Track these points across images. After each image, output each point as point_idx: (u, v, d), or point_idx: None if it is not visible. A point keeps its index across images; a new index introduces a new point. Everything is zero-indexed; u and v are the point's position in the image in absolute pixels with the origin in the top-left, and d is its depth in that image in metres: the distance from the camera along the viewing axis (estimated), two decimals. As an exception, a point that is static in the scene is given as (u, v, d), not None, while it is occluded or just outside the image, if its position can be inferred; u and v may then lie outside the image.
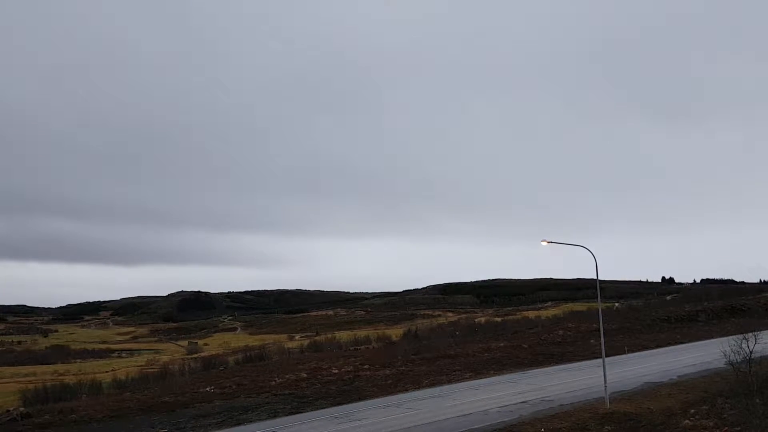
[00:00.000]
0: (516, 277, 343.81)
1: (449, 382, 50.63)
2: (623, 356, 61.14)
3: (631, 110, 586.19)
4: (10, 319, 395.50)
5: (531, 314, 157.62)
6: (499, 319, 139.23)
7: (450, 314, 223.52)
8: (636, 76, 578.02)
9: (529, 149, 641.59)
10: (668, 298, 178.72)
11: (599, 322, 39.80)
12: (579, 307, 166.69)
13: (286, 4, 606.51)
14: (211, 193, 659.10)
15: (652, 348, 68.08)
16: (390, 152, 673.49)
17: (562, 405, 37.40)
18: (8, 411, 44.28)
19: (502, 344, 74.58)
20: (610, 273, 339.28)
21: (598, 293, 41.71)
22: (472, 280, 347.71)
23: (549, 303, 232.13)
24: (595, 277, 37.76)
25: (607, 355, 38.76)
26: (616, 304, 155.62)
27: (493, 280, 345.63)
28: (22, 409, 46.40)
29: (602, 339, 38.81)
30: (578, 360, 60.70)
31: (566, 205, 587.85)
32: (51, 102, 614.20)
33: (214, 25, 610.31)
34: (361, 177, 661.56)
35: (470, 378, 52.20)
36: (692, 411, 32.94)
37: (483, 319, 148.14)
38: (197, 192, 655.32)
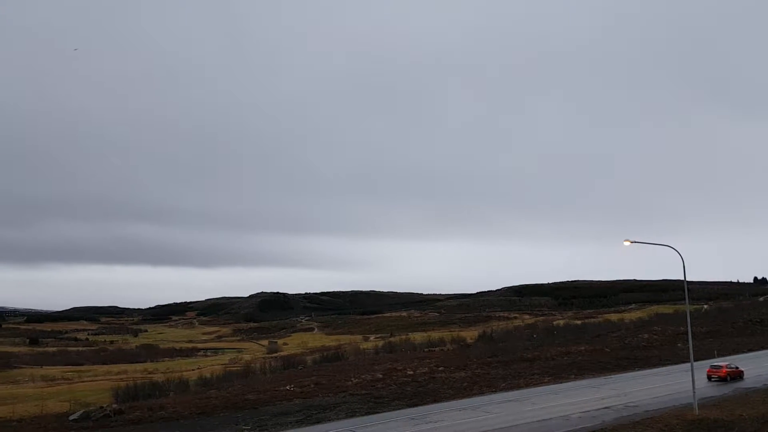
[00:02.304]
0: (596, 279, 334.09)
1: (527, 385, 49.71)
2: (713, 360, 58.30)
3: (713, 105, 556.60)
4: (103, 319, 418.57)
5: (613, 317, 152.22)
6: (579, 322, 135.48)
7: (526, 316, 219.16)
8: (718, 69, 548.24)
9: (602, 147, 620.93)
10: (761, 299, 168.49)
11: (687, 325, 38.03)
12: (665, 309, 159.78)
13: (344, 11, 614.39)
14: (283, 198, 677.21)
15: (744, 352, 64.62)
16: (456, 153, 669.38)
17: (647, 411, 35.99)
18: (102, 407, 46.67)
19: (582, 348, 72.64)
20: (697, 273, 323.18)
21: (686, 295, 39.91)
22: (549, 282, 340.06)
23: (633, 305, 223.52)
24: (682, 278, 36.12)
25: (695, 360, 37.01)
26: (705, 306, 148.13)
27: (571, 281, 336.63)
28: (114, 405, 48.85)
29: (690, 342, 37.07)
30: (664, 364, 58.38)
31: (648, 203, 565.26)
32: (131, 114, 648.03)
33: (275, 35, 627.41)
34: (430, 179, 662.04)
35: (549, 382, 51.06)
36: (790, 420, 30.96)
37: (562, 322, 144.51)
38: (271, 197, 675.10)
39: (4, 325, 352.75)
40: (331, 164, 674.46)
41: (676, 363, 57.15)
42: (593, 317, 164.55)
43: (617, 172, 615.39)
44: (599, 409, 37.58)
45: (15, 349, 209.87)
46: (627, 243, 35.24)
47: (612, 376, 52.92)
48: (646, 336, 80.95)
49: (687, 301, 41.05)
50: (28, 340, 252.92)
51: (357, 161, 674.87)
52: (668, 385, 44.83)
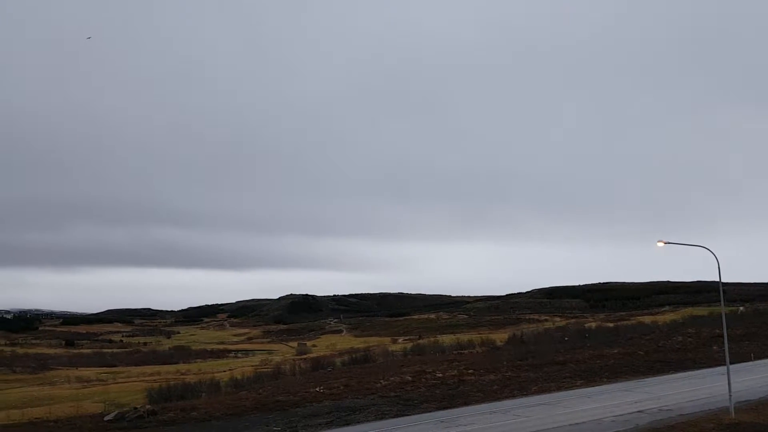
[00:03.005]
0: (629, 280, 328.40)
1: (558, 389, 49.17)
2: (749, 363, 57.02)
3: (739, 102, 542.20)
4: (137, 321, 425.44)
5: (647, 319, 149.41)
6: (611, 325, 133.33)
7: (558, 319, 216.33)
8: (743, 65, 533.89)
9: (630, 147, 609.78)
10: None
11: (722, 327, 37.28)
12: (699, 311, 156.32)
13: (358, 12, 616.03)
14: (310, 201, 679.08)
15: (783, 355, 63.04)
16: (483, 154, 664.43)
17: (681, 414, 35.35)
18: (136, 408, 47.49)
19: (615, 351, 71.57)
20: (733, 274, 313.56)
21: (721, 296, 39.11)
22: (581, 284, 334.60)
23: (666, 307, 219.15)
24: (717, 279, 35.42)
25: (731, 363, 36.19)
26: (741, 308, 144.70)
27: (604, 283, 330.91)
28: (148, 406, 49.66)
29: (726, 345, 36.32)
30: (699, 368, 57.22)
31: (680, 203, 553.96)
32: (152, 117, 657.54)
33: (292, 38, 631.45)
34: (457, 180, 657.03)
35: (581, 386, 50.44)
36: (833, 425, 30.10)
37: (594, 325, 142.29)
38: (297, 200, 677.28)
39: (40, 327, 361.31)
40: (356, 167, 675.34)
41: (711, 366, 55.95)
42: (626, 319, 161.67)
43: (647, 172, 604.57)
44: (632, 413, 37.03)
45: (51, 351, 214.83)
46: (660, 244, 34.68)
47: (645, 379, 52.08)
48: (680, 339, 79.51)
49: (722, 302, 40.24)
50: (63, 342, 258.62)
51: (382, 163, 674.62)
52: (703, 389, 43.98)
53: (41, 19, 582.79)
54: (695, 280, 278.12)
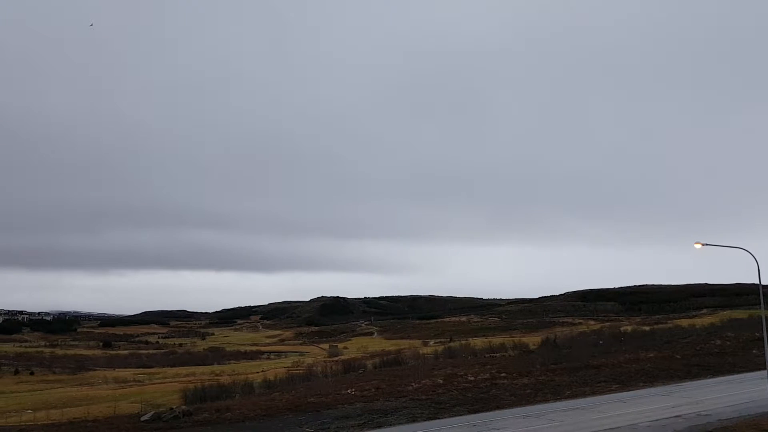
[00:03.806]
0: (665, 283, 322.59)
1: (593, 393, 48.44)
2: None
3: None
4: (172, 323, 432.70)
5: (684, 322, 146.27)
6: (647, 328, 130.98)
7: (592, 322, 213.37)
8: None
9: (667, 148, 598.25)
10: None
11: (762, 331, 36.34)
12: (739, 314, 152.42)
13: (383, 13, 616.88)
14: (340, 204, 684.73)
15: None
16: (516, 155, 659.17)
17: (720, 420, 34.53)
18: (171, 409, 48.27)
19: (651, 354, 70.26)
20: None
21: (761, 299, 38.10)
22: (616, 287, 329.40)
23: (704, 310, 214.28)
24: (756, 282, 34.56)
25: (773, 368, 35.31)
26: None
27: (639, 286, 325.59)
28: (183, 407, 50.49)
29: (766, 349, 35.41)
30: (738, 372, 55.83)
31: (718, 204, 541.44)
32: (185, 123, 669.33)
33: (319, 42, 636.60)
34: (490, 181, 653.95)
35: (617, 390, 49.63)
36: None
37: (629, 328, 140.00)
38: (327, 203, 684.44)
39: (78, 329, 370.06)
40: (386, 169, 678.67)
41: (751, 370, 54.53)
42: (662, 323, 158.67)
43: (684, 172, 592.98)
44: (669, 417, 36.30)
45: (89, 352, 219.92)
46: (698, 246, 34.03)
47: (683, 383, 51.01)
48: (718, 342, 77.71)
49: (762, 305, 39.22)
50: (101, 344, 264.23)
51: (412, 165, 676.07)
52: (743, 393, 42.85)
53: (80, 37, 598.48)
54: (733, 282, 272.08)
